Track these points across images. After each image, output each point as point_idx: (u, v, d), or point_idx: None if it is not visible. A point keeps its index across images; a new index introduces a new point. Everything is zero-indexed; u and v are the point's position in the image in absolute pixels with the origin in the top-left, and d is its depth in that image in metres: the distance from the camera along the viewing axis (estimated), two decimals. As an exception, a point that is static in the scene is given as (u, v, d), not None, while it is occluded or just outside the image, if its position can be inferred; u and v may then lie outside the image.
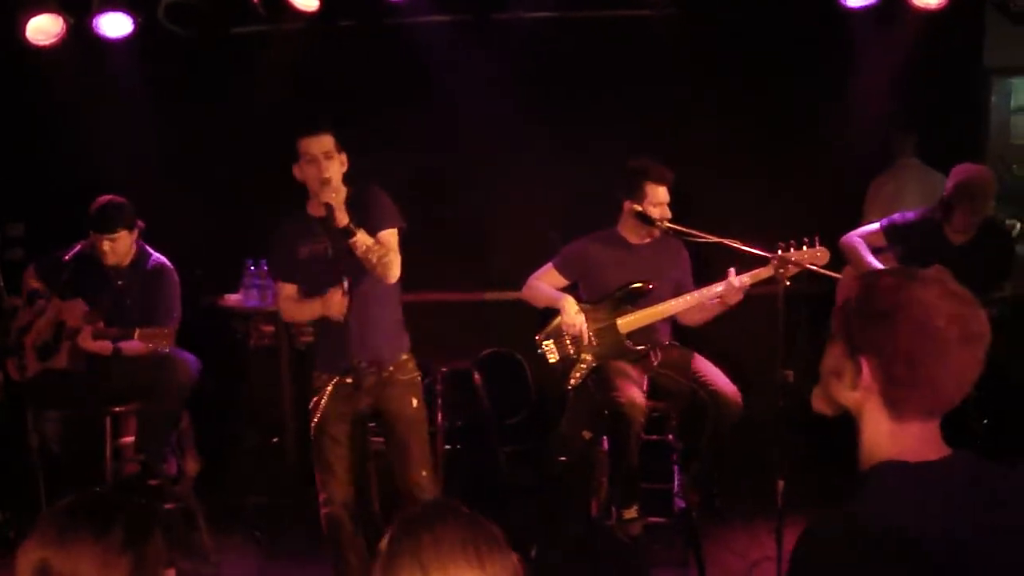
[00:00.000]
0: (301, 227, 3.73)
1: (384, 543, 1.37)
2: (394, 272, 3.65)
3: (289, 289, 3.82)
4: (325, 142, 3.61)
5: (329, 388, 3.72)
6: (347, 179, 3.68)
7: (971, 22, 5.50)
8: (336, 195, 3.51)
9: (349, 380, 3.64)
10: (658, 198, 4.27)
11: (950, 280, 1.56)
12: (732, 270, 4.16)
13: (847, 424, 4.57)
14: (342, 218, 3.50)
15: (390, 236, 3.68)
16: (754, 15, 5.33)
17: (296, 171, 3.68)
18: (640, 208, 4.26)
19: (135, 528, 1.54)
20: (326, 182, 3.54)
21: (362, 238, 3.53)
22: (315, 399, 3.76)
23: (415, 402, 3.81)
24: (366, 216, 3.62)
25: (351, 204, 3.58)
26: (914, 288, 1.54)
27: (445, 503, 1.42)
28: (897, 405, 1.56)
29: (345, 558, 3.72)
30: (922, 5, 4.68)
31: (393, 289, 3.78)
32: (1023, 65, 5.94)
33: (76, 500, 1.54)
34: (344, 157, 3.68)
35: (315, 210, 3.67)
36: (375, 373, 3.70)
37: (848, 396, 1.62)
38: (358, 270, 3.59)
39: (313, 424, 3.74)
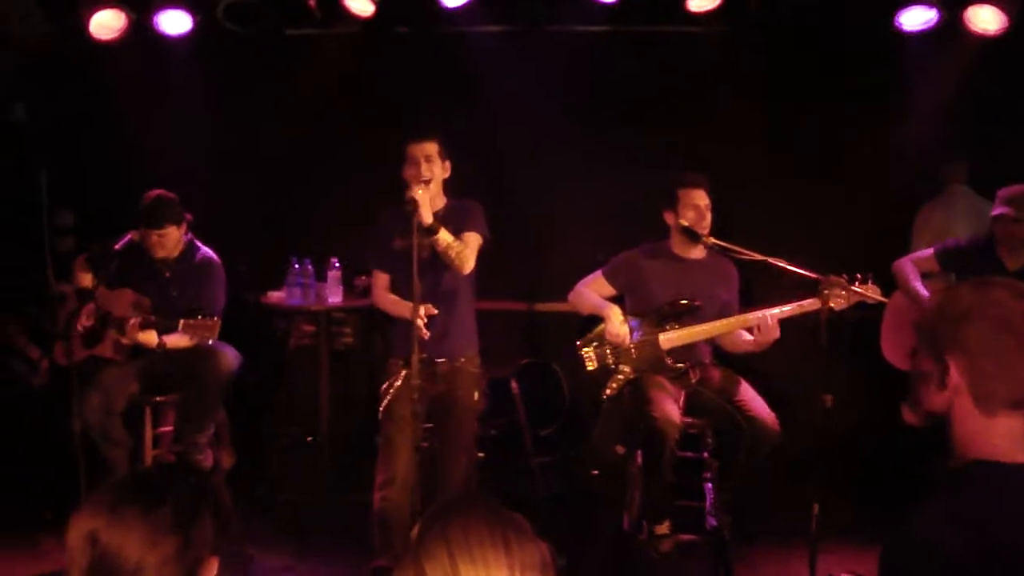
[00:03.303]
0: (399, 221, 3.94)
1: (415, 530, 1.39)
2: (468, 265, 3.95)
3: (383, 279, 4.15)
4: (428, 147, 3.98)
5: (403, 372, 3.92)
6: (449, 188, 4.07)
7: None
8: (423, 193, 3.76)
9: (411, 368, 3.73)
10: (692, 200, 4.25)
11: (1019, 284, 1.70)
12: (781, 302, 4.12)
13: (884, 451, 4.52)
14: (427, 215, 3.74)
15: (472, 238, 4.01)
16: (807, 34, 5.31)
17: (404, 172, 4.00)
18: (683, 221, 4.25)
19: (184, 509, 1.56)
20: (425, 183, 3.86)
21: (443, 236, 3.83)
22: (388, 382, 4.00)
23: (476, 395, 4.10)
24: (458, 221, 3.97)
25: (448, 212, 3.95)
26: (989, 290, 1.68)
27: (475, 494, 1.43)
28: (985, 400, 1.66)
29: (392, 544, 3.78)
30: (980, 30, 4.63)
31: (468, 288, 4.12)
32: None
33: (131, 475, 1.57)
34: (448, 165, 4.06)
35: (408, 209, 3.82)
36: (447, 363, 4.01)
37: (938, 399, 1.72)
38: (439, 266, 3.91)
39: (383, 406, 3.97)
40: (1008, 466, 1.63)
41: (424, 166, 3.95)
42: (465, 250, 3.92)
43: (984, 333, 1.65)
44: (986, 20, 4.58)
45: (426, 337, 3.73)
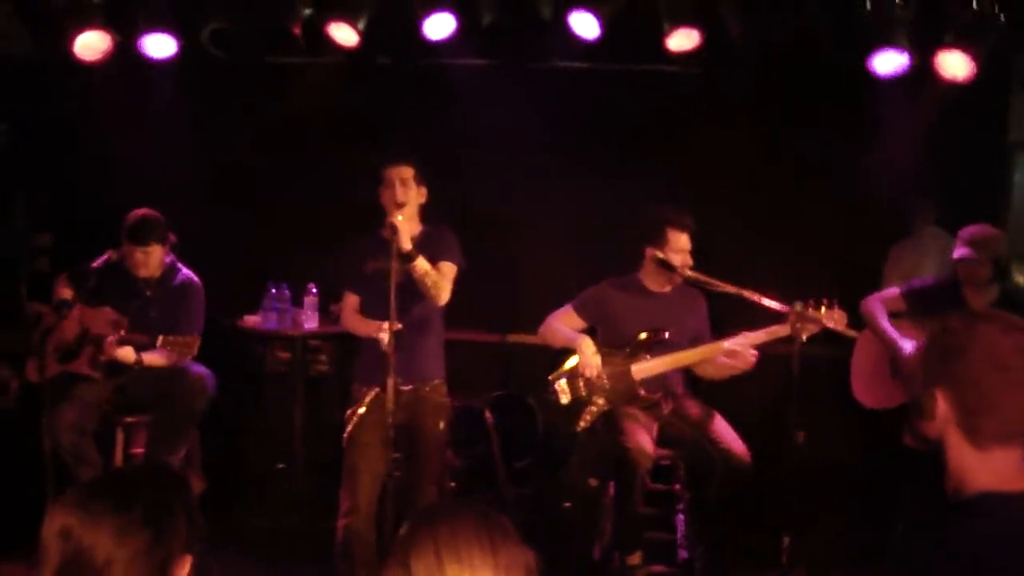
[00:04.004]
0: (371, 244, 3.99)
1: (403, 530, 1.41)
2: (444, 296, 3.99)
3: (353, 300, 4.17)
4: (404, 171, 4.01)
5: (367, 399, 3.94)
6: (425, 214, 4.11)
7: (997, 96, 5.57)
8: (403, 219, 3.79)
9: (387, 393, 3.72)
10: (680, 245, 4.31)
11: (1013, 317, 1.72)
12: (747, 329, 4.18)
13: (855, 484, 4.56)
14: (405, 242, 3.76)
15: (448, 268, 4.03)
16: (781, 75, 5.42)
17: (380, 195, 4.04)
18: (662, 255, 4.31)
19: (157, 506, 1.57)
20: (400, 205, 3.89)
21: (421, 263, 3.84)
22: (351, 409, 4.00)
23: (442, 424, 4.08)
24: (433, 249, 3.98)
25: (423, 239, 3.96)
26: (981, 323, 1.72)
27: (463, 499, 1.46)
28: (974, 433, 1.67)
29: (356, 573, 3.76)
30: (950, 77, 4.75)
31: (438, 316, 4.14)
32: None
33: (106, 473, 1.58)
34: (423, 191, 4.08)
35: (386, 234, 3.85)
36: (412, 390, 3.99)
37: (930, 427, 1.74)
38: (412, 292, 3.90)
39: (346, 433, 3.97)
40: (1009, 495, 1.63)
41: (400, 189, 3.97)
42: (442, 280, 3.95)
43: (971, 367, 1.66)
44: (955, 66, 4.70)
45: (388, 351, 3.69)
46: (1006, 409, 1.65)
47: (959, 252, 4.35)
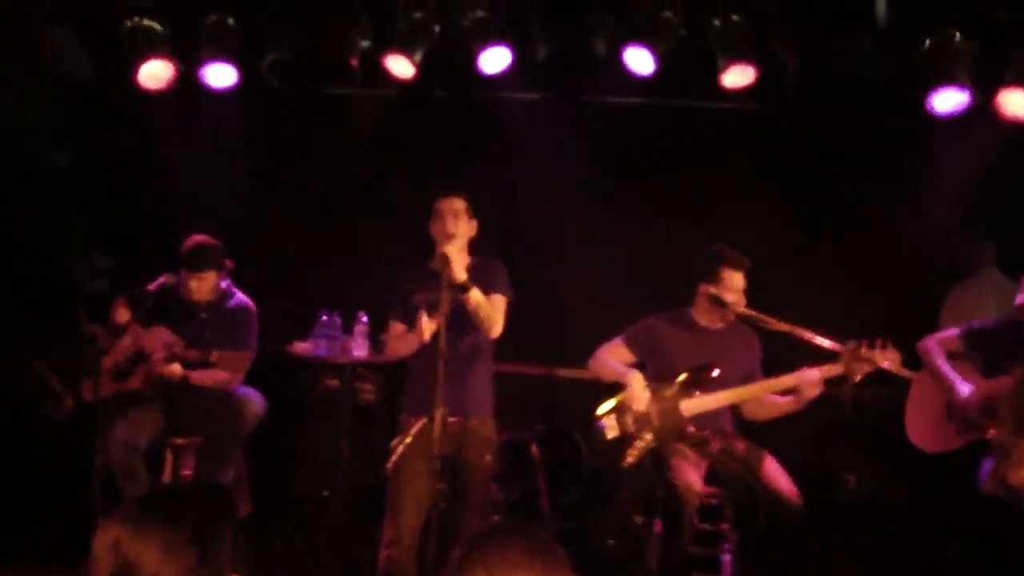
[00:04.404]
0: (420, 275, 3.96)
1: (455, 553, 1.41)
2: (497, 328, 3.97)
3: (400, 328, 4.10)
4: (456, 203, 3.99)
5: (415, 429, 3.88)
6: (475, 246, 4.08)
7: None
8: (454, 249, 3.77)
9: (434, 424, 3.68)
10: (734, 284, 4.28)
11: None
12: (806, 367, 4.12)
13: (904, 531, 4.44)
14: (459, 272, 3.74)
15: (500, 300, 4.01)
16: (837, 113, 5.38)
17: (430, 227, 4.02)
18: (715, 291, 4.27)
19: (205, 525, 1.58)
20: (450, 237, 3.86)
21: (475, 294, 3.82)
22: (398, 439, 3.93)
23: (488, 458, 4.03)
24: (484, 281, 3.95)
25: (474, 271, 3.90)
26: None
27: (515, 523, 1.44)
28: None
29: None
30: (1011, 115, 4.67)
31: (488, 349, 4.09)
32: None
33: (157, 490, 1.60)
34: (475, 223, 4.06)
35: (437, 265, 3.84)
36: (459, 422, 3.91)
37: (1015, 474, 1.66)
38: (461, 324, 3.86)
39: (391, 462, 3.90)
40: None
41: (451, 221, 3.95)
42: (494, 312, 3.93)
43: None
44: (1017, 104, 4.62)
45: (428, 340, 3.73)
46: None
47: (1022, 298, 4.27)
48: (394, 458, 3.91)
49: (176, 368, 4.20)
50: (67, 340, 4.99)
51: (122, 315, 4.45)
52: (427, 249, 3.99)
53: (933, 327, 5.08)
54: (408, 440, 3.90)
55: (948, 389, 4.43)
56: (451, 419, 3.84)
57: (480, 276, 3.95)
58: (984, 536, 4.07)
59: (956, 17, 4.50)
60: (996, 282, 5.47)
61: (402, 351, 4.09)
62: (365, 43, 5.11)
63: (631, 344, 4.46)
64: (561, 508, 5.50)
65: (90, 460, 4.06)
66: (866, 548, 4.44)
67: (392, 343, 4.15)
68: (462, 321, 3.87)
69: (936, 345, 4.57)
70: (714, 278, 4.31)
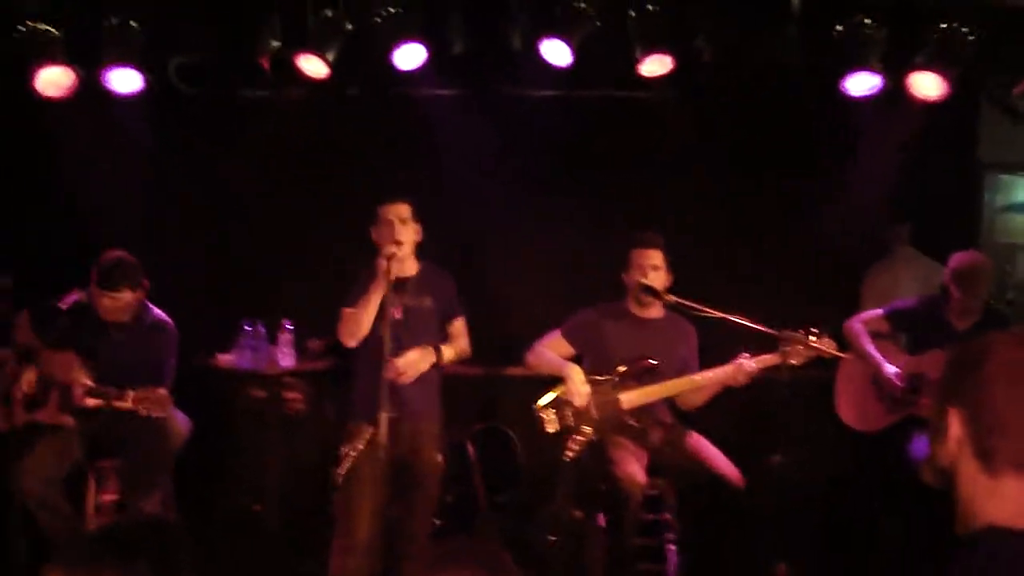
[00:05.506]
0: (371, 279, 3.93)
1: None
2: (469, 350, 4.26)
3: (351, 310, 4.05)
4: (401, 209, 4.00)
5: (366, 435, 3.84)
6: (419, 250, 4.12)
7: (968, 116, 5.62)
8: (397, 253, 3.83)
9: (385, 429, 3.65)
10: (648, 261, 4.29)
11: None
12: (744, 355, 4.14)
13: (838, 509, 4.51)
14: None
15: (461, 323, 4.21)
16: (755, 100, 5.43)
17: (373, 233, 4.02)
18: (642, 280, 4.27)
19: (162, 562, 1.48)
20: (398, 244, 3.87)
21: (447, 354, 4.06)
22: (348, 446, 3.88)
23: (439, 457, 4.09)
24: (440, 303, 4.10)
25: (421, 278, 4.01)
26: (1000, 341, 1.57)
27: (465, 545, 1.40)
28: (986, 456, 1.52)
29: None
30: (922, 97, 4.78)
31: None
32: (1016, 162, 6.05)
33: (106, 528, 1.49)
34: (419, 227, 4.06)
35: (381, 270, 3.83)
36: (412, 423, 3.95)
37: (942, 453, 1.58)
38: (410, 327, 3.96)
39: (343, 469, 3.85)
40: (1016, 533, 1.47)
41: (398, 227, 3.95)
42: (462, 341, 4.19)
43: (985, 382, 1.51)
44: (928, 87, 4.73)
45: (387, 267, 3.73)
46: (1022, 430, 1.50)
47: (948, 284, 4.41)
48: (346, 465, 3.86)
49: (99, 401, 3.99)
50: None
51: (24, 334, 4.21)
52: (360, 254, 3.97)
53: (856, 309, 5.17)
54: (360, 446, 3.86)
55: (875, 369, 4.54)
56: (403, 422, 3.85)
57: (428, 283, 4.03)
58: (916, 512, 4.16)
59: (868, 3, 4.58)
60: (912, 260, 5.60)
61: (357, 330, 3.96)
62: (275, 43, 4.96)
63: (569, 337, 4.43)
64: (499, 507, 5.45)
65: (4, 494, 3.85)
66: (807, 530, 4.48)
67: (345, 325, 4.00)
68: (410, 325, 3.93)
69: (861, 326, 4.68)
70: (629, 264, 4.34)
